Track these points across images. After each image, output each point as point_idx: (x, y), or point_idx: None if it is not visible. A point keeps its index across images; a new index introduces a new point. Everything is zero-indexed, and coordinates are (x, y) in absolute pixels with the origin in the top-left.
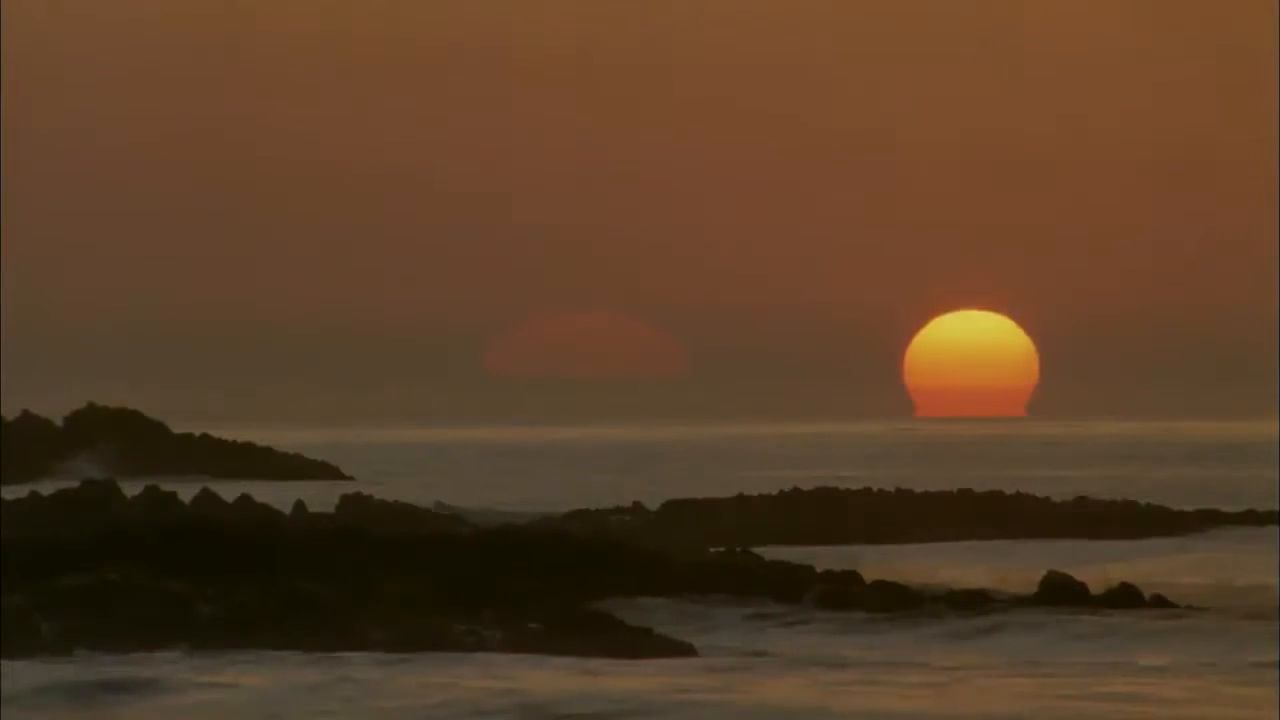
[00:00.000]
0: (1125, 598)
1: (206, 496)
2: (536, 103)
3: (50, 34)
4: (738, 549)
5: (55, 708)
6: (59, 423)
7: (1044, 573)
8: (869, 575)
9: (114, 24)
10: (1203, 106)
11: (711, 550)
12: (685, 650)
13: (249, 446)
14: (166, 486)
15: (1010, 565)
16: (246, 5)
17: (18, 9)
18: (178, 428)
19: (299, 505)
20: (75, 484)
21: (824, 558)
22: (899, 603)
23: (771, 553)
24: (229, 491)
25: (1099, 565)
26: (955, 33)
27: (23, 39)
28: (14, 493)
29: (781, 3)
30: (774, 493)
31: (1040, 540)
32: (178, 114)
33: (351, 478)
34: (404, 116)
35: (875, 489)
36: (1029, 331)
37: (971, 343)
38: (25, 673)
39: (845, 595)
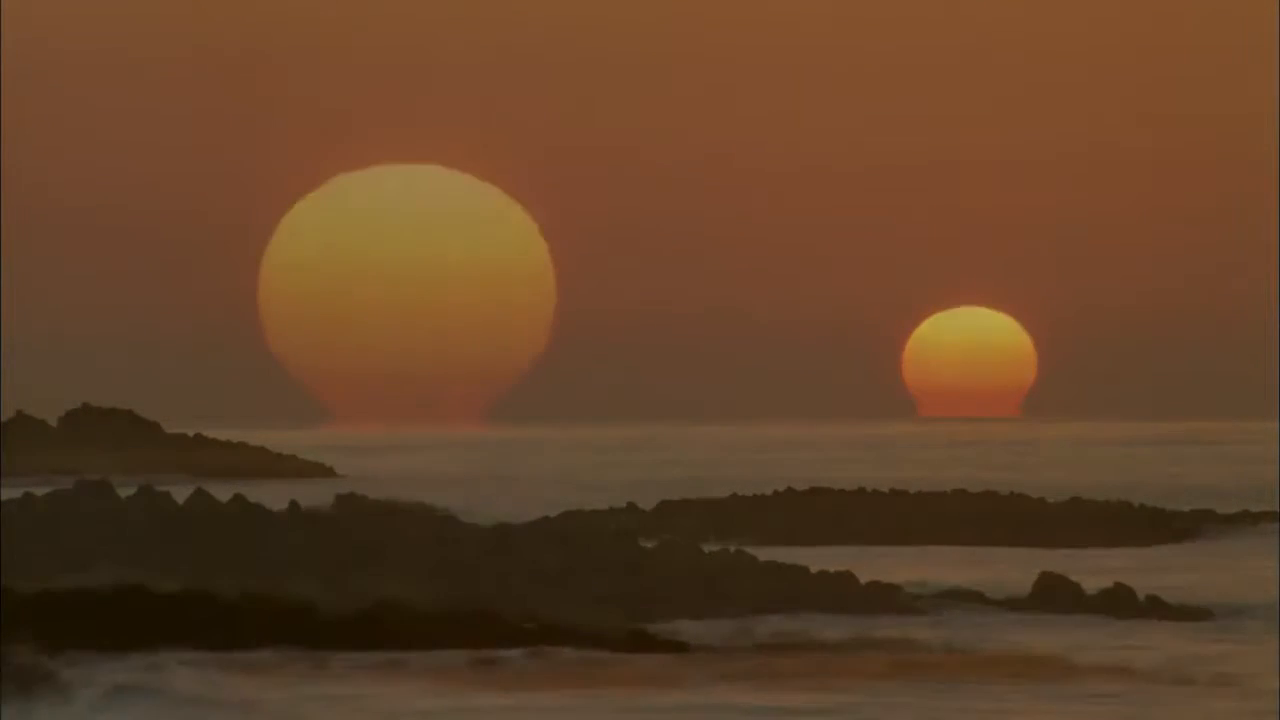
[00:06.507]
0: (1120, 598)
1: (200, 497)
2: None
3: (50, 36)
4: (732, 549)
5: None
6: (54, 423)
7: (1038, 573)
8: (863, 575)
9: (113, 27)
10: (1203, 106)
11: (706, 551)
12: (678, 648)
13: (243, 446)
14: (160, 486)
15: (1005, 566)
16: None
17: (18, 9)
18: (171, 428)
19: (293, 505)
20: (70, 484)
21: (819, 558)
22: (892, 603)
23: (766, 553)
24: (222, 491)
25: (1094, 566)
26: (956, 34)
27: (23, 40)
28: (9, 493)
29: (792, 6)
30: (768, 493)
31: (1035, 540)
32: (176, 113)
33: (346, 477)
34: (408, 125)
35: (870, 489)
36: (1028, 329)
37: (970, 340)
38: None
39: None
